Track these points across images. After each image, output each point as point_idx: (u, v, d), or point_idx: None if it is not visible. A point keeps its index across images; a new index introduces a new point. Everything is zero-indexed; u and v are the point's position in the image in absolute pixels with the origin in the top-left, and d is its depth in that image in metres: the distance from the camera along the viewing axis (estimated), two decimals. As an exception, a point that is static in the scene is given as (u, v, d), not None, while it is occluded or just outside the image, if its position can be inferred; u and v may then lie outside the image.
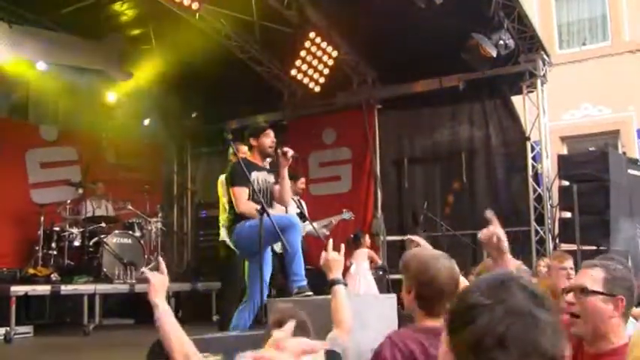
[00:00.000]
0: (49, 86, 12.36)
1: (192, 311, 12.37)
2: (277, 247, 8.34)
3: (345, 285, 3.84)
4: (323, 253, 3.95)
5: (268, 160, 7.13)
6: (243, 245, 6.69)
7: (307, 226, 9.08)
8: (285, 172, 6.75)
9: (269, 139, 6.79)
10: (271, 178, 6.84)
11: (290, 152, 6.75)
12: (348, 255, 10.56)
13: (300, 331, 3.25)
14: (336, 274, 3.82)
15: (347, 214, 10.47)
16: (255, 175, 6.64)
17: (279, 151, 6.71)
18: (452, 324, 1.42)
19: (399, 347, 2.90)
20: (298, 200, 9.62)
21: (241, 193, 6.62)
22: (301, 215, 8.82)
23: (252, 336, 5.20)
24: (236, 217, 6.76)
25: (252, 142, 6.84)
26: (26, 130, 12.70)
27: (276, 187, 6.89)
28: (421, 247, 3.65)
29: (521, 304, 1.36)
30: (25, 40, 10.74)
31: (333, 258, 3.88)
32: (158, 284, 3.26)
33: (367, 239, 10.82)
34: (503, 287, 1.39)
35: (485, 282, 1.43)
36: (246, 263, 6.94)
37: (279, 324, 3.26)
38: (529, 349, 1.31)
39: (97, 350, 8.90)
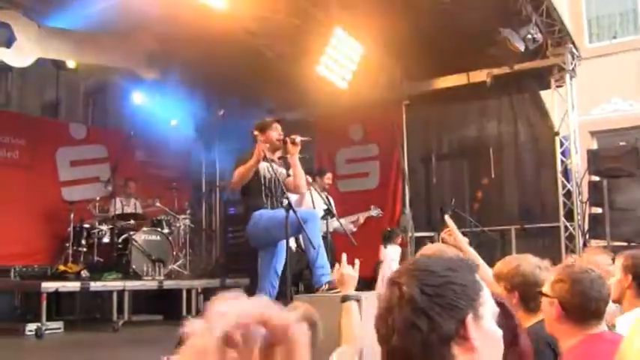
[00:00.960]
0: (78, 85, 12.48)
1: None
2: (292, 243, 8.33)
3: (358, 300, 3.70)
4: (336, 267, 3.88)
5: (277, 154, 7.14)
6: (259, 235, 6.66)
7: (334, 223, 9.07)
8: (297, 160, 6.72)
9: (276, 132, 6.79)
10: (283, 170, 6.84)
11: (298, 138, 6.74)
12: (379, 249, 10.54)
13: (312, 331, 3.23)
14: (349, 289, 3.71)
15: (375, 211, 10.43)
16: (262, 165, 6.63)
17: (287, 139, 6.68)
18: None
19: None
20: (326, 196, 9.61)
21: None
22: (328, 211, 8.82)
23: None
24: (250, 207, 6.78)
25: (260, 136, 6.82)
26: (57, 128, 12.85)
27: (289, 179, 6.89)
28: (440, 245, 3.62)
29: None
30: (53, 40, 10.83)
31: (347, 273, 3.78)
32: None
33: (401, 238, 10.77)
34: None
35: None
36: (259, 254, 6.93)
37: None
38: None
39: (127, 346, 8.98)
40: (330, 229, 9.12)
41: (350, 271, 3.80)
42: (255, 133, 6.91)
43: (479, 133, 12.29)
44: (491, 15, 9.70)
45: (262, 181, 6.72)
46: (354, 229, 9.93)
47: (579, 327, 2.72)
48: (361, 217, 10.19)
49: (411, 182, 12.63)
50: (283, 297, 7.34)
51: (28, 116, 12.41)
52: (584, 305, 2.72)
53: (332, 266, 8.19)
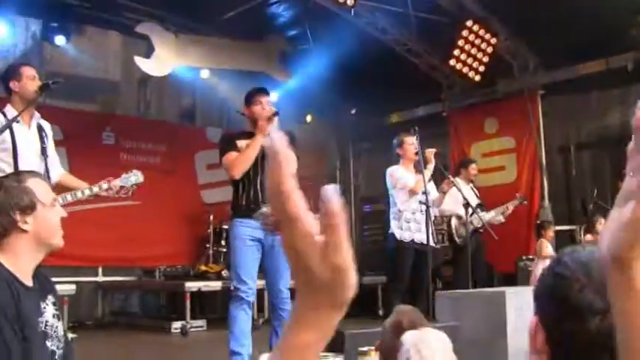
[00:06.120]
0: (214, 90, 12.84)
1: (358, 305, 12.44)
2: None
3: None
4: None
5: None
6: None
7: (485, 216, 8.90)
8: (260, 140, 5.77)
9: (260, 107, 5.94)
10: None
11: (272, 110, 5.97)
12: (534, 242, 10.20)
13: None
14: None
15: (520, 199, 10.16)
16: (242, 143, 5.87)
17: (269, 114, 5.90)
18: (557, 314, 1.33)
19: None
20: (471, 188, 9.46)
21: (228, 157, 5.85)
22: (480, 205, 8.74)
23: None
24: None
25: (245, 110, 6.06)
26: (194, 133, 13.27)
27: None
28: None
29: None
30: (189, 48, 11.20)
31: None
32: None
33: (550, 231, 10.19)
34: None
35: (600, 278, 1.24)
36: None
37: (397, 328, 3.13)
38: None
39: (267, 342, 9.14)
40: (479, 224, 8.91)
41: None
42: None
43: (620, 122, 11.75)
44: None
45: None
46: (503, 220, 9.69)
47: None
48: (510, 206, 9.88)
49: (549, 174, 12.22)
50: (424, 294, 7.29)
51: (167, 123, 12.89)
52: None
53: (482, 264, 7.98)
